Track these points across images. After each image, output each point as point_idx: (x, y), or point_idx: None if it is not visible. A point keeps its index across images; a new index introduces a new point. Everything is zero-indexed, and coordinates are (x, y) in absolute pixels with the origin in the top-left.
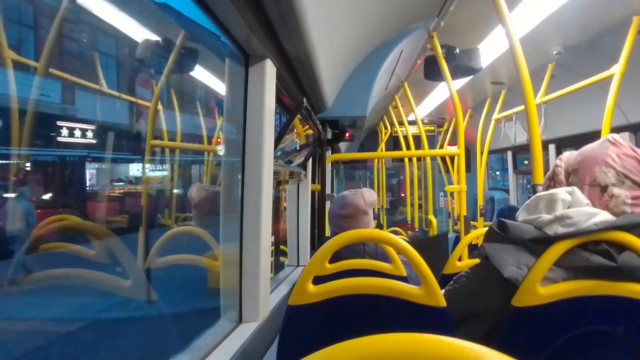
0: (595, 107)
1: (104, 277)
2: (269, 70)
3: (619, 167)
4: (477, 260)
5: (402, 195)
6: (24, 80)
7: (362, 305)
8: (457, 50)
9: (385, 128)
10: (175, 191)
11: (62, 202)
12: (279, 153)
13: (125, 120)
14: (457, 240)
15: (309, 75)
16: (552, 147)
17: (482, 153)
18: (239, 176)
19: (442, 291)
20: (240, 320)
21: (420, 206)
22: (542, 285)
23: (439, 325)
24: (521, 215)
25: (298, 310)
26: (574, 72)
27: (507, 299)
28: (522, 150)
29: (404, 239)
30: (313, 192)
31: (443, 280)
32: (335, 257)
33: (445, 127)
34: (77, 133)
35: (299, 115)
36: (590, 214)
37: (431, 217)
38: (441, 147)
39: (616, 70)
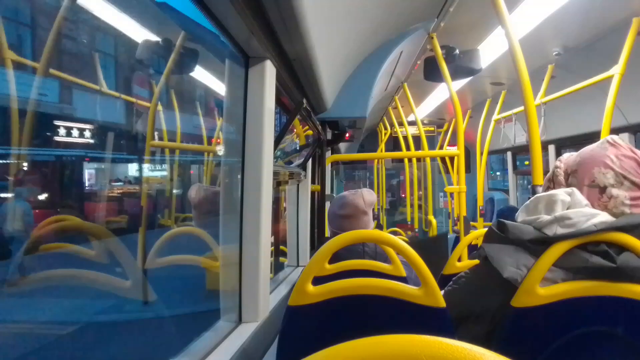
0: (595, 108)
1: (104, 277)
2: (269, 71)
3: (618, 168)
4: (476, 261)
5: (402, 195)
6: (21, 79)
7: (361, 305)
8: (457, 51)
9: (385, 129)
10: (174, 191)
11: (58, 202)
12: (278, 153)
13: (124, 120)
14: (457, 240)
15: (309, 76)
16: (551, 148)
17: (481, 154)
18: (239, 176)
19: (442, 292)
20: (240, 320)
21: (420, 207)
22: (541, 286)
23: (438, 325)
24: (521, 216)
25: (298, 310)
26: (574, 73)
27: (507, 299)
28: (522, 151)
29: (403, 240)
30: (313, 193)
31: (442, 281)
32: (335, 258)
33: (445, 127)
34: (75, 133)
35: (298, 116)
36: (589, 215)
37: (431, 217)
38: (441, 147)
39: (616, 71)
